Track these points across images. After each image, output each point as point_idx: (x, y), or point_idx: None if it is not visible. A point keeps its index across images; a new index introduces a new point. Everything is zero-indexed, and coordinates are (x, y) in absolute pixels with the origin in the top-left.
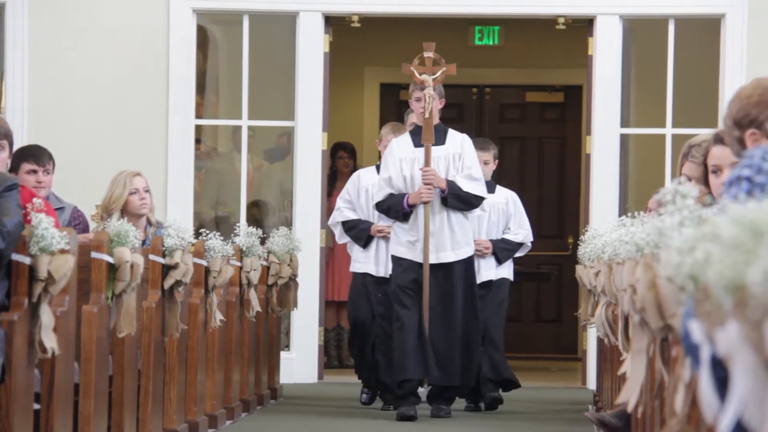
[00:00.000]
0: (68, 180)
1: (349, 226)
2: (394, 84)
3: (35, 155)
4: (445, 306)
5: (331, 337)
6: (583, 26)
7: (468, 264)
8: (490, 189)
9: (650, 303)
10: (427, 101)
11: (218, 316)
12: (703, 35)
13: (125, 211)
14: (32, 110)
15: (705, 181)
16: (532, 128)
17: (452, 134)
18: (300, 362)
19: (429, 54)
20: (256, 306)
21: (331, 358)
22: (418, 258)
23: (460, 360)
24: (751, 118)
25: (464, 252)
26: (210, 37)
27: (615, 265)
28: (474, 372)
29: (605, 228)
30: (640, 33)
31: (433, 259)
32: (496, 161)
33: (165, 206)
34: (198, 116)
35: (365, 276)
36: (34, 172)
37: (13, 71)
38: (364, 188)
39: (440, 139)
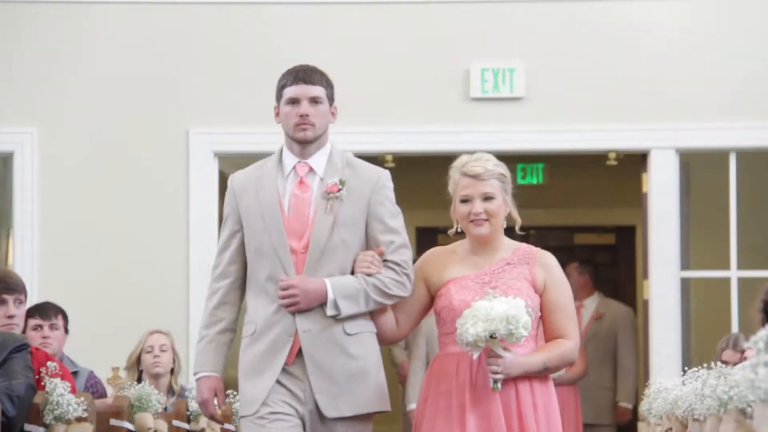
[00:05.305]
0: (82, 343)
1: None
2: (431, 228)
3: (40, 309)
4: None
5: None
6: (636, 161)
7: None
8: None
9: None
10: None
11: None
12: (767, 168)
13: (143, 371)
14: (43, 267)
15: None
16: None
17: None
18: None
19: None
20: None
21: None
22: None
23: None
24: None
25: None
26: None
27: (691, 422)
28: None
29: (672, 381)
30: (699, 168)
31: None
32: None
33: (187, 366)
34: None
35: None
36: (39, 327)
37: (22, 225)
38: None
39: None
